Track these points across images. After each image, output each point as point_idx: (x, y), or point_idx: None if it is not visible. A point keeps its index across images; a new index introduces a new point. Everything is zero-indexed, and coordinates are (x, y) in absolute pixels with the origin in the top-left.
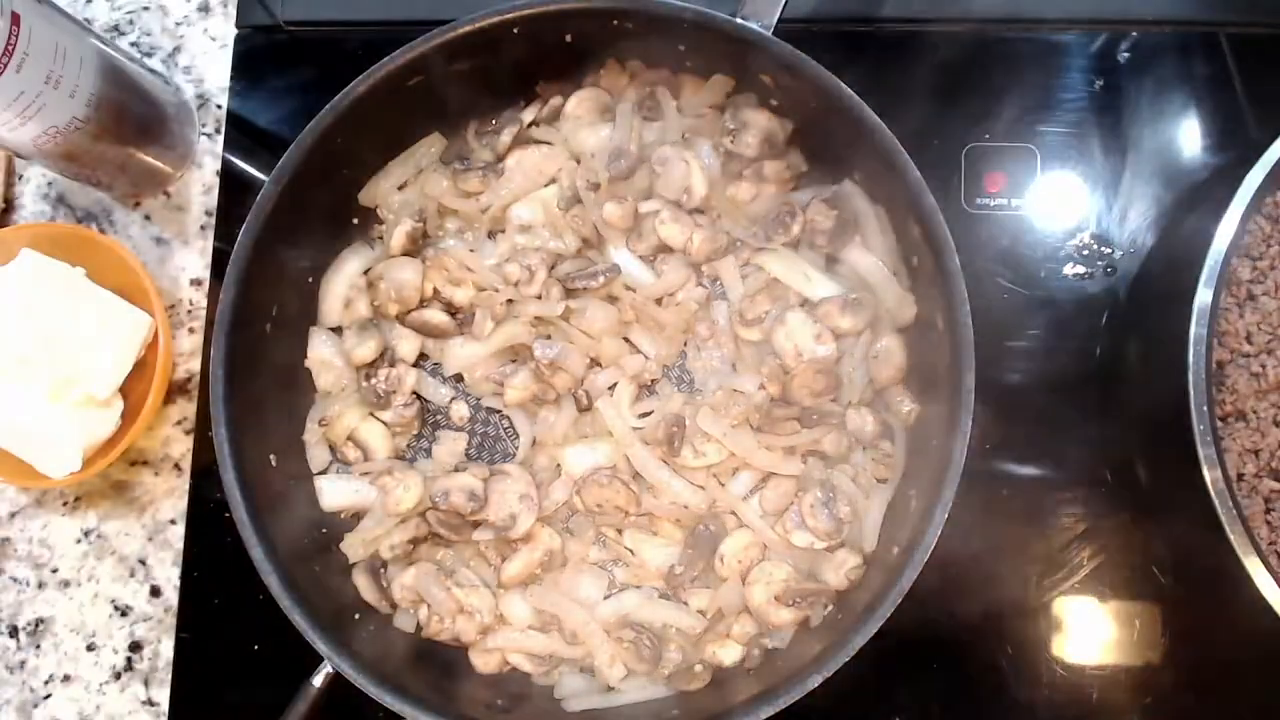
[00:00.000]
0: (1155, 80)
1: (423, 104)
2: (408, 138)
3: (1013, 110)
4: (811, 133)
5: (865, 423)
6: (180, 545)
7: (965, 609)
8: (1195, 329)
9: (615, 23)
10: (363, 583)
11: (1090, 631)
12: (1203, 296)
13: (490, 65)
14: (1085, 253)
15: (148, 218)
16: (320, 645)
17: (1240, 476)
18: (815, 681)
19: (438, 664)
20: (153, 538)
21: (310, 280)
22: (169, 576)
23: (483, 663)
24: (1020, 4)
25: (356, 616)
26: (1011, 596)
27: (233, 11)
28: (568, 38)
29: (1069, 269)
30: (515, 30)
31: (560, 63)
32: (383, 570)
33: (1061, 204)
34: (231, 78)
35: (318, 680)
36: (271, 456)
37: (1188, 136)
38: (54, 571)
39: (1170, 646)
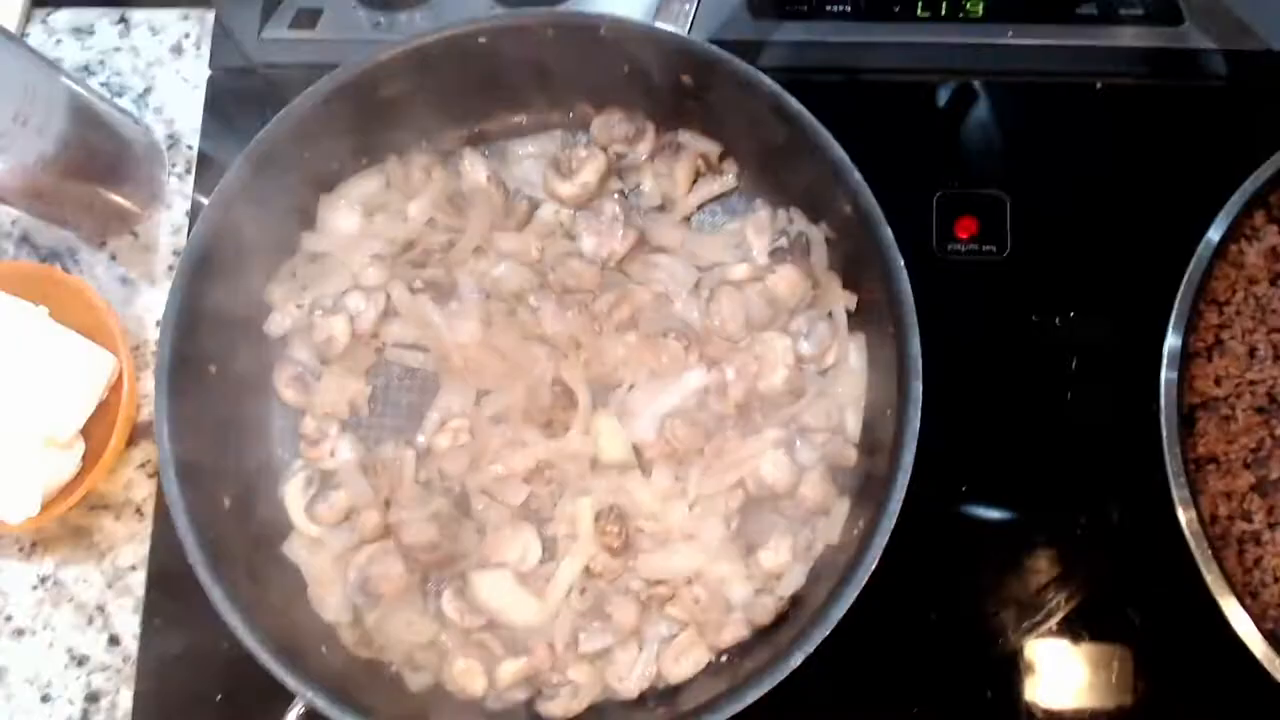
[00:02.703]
0: (1124, 128)
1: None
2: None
3: (981, 156)
4: (746, 150)
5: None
6: (141, 592)
7: (942, 653)
8: (1165, 373)
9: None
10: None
11: (1066, 675)
12: (1171, 341)
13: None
14: (1057, 298)
15: (114, 257)
16: (290, 681)
17: (1214, 518)
18: (797, 659)
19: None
20: (112, 584)
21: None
22: (128, 624)
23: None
24: (982, 58)
25: (324, 649)
26: (988, 641)
27: (206, 53)
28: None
29: (1041, 314)
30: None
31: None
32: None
33: (1034, 249)
34: (203, 118)
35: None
36: (225, 499)
37: (1157, 184)
38: (8, 619)
39: (1147, 689)
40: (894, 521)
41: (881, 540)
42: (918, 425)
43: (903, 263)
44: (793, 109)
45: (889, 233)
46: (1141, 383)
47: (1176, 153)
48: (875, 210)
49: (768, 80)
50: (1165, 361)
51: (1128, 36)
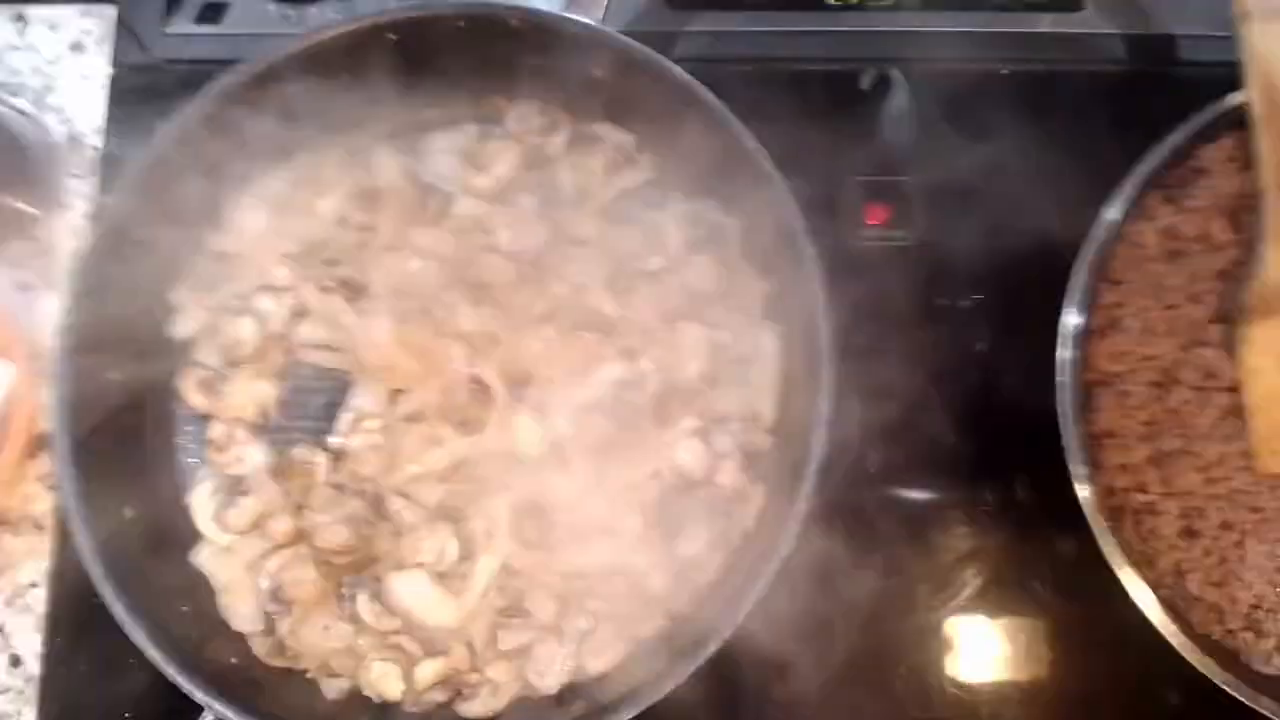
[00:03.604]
0: (1029, 112)
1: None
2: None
3: (892, 143)
4: (661, 142)
5: None
6: (43, 610)
7: (856, 634)
8: (1063, 352)
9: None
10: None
11: (980, 649)
12: (1070, 320)
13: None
14: (964, 281)
15: (10, 263)
16: (198, 694)
17: (1112, 491)
18: (713, 647)
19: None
20: (11, 603)
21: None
22: (30, 644)
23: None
24: (893, 46)
25: (234, 660)
26: (902, 618)
27: (108, 50)
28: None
29: (949, 298)
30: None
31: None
32: None
33: (941, 233)
34: (106, 118)
35: None
36: (128, 510)
37: (1060, 166)
38: None
39: (1056, 660)
40: (805, 506)
41: (794, 525)
42: (828, 411)
43: (814, 251)
44: (705, 100)
45: (801, 221)
46: (1044, 362)
47: (1078, 135)
48: (788, 199)
49: (679, 71)
50: (1063, 340)
51: (1033, 22)
